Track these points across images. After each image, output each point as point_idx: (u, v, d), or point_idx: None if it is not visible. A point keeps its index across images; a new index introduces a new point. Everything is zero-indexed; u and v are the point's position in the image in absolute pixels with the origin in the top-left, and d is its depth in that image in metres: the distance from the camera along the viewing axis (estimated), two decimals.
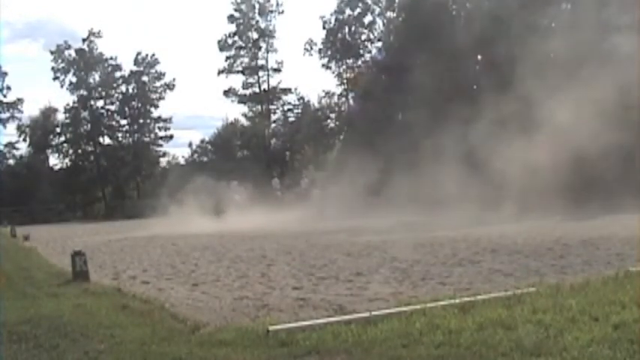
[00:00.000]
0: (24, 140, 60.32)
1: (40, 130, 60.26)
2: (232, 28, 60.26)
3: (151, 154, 64.97)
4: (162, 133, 64.58)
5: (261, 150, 59.02)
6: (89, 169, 62.90)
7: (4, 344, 5.78)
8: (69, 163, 62.22)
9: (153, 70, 63.21)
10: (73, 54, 60.94)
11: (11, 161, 60.07)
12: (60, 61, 60.82)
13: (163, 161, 65.76)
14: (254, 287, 9.58)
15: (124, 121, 64.05)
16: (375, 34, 55.14)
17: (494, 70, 34.25)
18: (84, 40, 61.34)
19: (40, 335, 6.07)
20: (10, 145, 60.18)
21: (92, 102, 62.28)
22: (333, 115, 59.97)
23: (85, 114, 61.99)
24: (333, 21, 55.59)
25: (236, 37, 60.52)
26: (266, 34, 60.66)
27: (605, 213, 21.97)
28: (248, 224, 27.53)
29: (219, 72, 61.24)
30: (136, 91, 62.92)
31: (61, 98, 74.37)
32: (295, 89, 61.71)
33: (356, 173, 33.09)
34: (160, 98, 63.58)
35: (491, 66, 34.59)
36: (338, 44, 55.31)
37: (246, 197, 40.53)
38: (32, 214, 51.05)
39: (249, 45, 60.74)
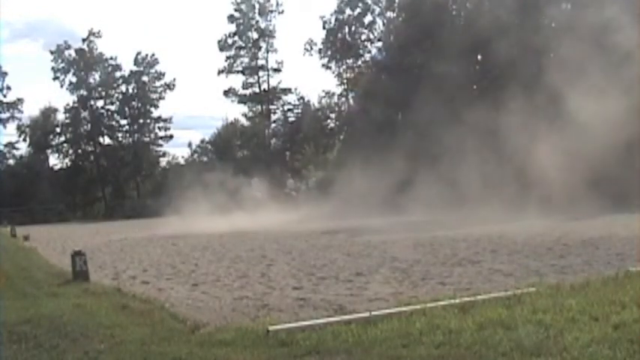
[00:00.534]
0: (24, 140, 60.45)
1: (40, 130, 60.24)
2: (232, 28, 60.37)
3: (151, 154, 64.96)
4: (162, 133, 64.69)
5: (261, 150, 59.02)
6: (89, 169, 62.93)
7: (4, 344, 5.78)
8: (69, 163, 62.24)
9: (153, 70, 63.22)
10: (73, 54, 60.93)
11: (11, 161, 60.09)
12: (60, 61, 60.82)
13: (163, 161, 65.96)
14: (254, 287, 9.59)
15: (124, 121, 64.07)
16: (375, 34, 55.16)
17: (493, 69, 34.34)
18: (84, 40, 61.42)
19: (40, 335, 6.07)
20: (10, 145, 60.27)
21: (92, 102, 62.27)
22: (333, 115, 60.05)
23: (85, 114, 61.99)
24: (333, 21, 55.59)
25: (236, 37, 60.55)
26: (266, 34, 60.68)
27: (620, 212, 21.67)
28: (271, 222, 27.58)
29: (219, 72, 61.33)
30: (136, 91, 62.90)
31: (61, 98, 74.66)
32: (295, 89, 61.83)
33: (368, 172, 32.89)
34: (160, 98, 63.63)
35: (491, 65, 34.61)
36: (338, 44, 55.29)
37: (266, 195, 40.34)
38: (32, 214, 51.06)
39: (249, 45, 60.75)
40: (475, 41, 34.83)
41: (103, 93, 62.61)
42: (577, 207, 23.22)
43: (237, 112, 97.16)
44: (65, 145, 62.27)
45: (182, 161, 63.80)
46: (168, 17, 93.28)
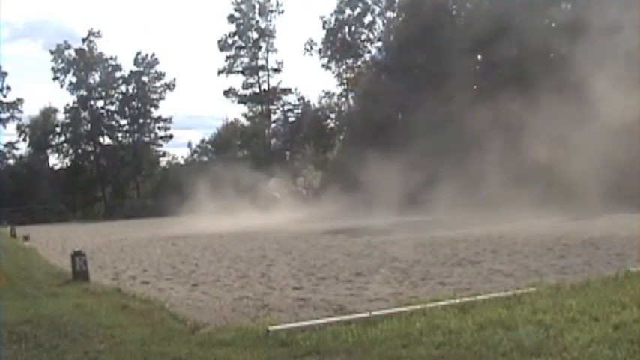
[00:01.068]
0: (24, 140, 60.47)
1: (40, 130, 60.25)
2: (232, 28, 60.45)
3: (151, 154, 64.96)
4: (162, 133, 64.73)
5: (261, 150, 59.02)
6: (89, 169, 62.93)
7: (4, 344, 5.78)
8: (69, 163, 62.25)
9: (153, 70, 63.24)
10: (73, 54, 60.95)
11: (11, 161, 60.10)
12: (60, 61, 60.83)
13: (163, 161, 65.98)
14: (254, 287, 9.58)
15: (124, 121, 64.08)
16: (375, 34, 55.25)
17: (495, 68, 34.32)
18: (84, 40, 61.45)
19: (40, 335, 6.06)
20: (10, 145, 60.27)
21: (92, 102, 62.28)
22: (333, 115, 60.13)
23: (85, 114, 62.00)
24: (333, 21, 55.66)
25: (236, 37, 60.61)
26: (266, 34, 60.72)
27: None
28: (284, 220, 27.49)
29: (219, 72, 61.43)
30: (136, 91, 62.92)
31: (61, 98, 74.76)
32: (295, 89, 61.96)
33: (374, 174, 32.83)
34: (160, 98, 63.67)
35: (493, 65, 34.61)
36: (338, 44, 55.34)
37: (285, 194, 40.30)
38: (32, 214, 51.03)
39: (249, 45, 60.79)
40: (475, 41, 34.85)
41: (103, 93, 62.63)
42: (597, 205, 22.95)
43: (237, 112, 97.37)
44: (65, 145, 62.31)
45: (182, 161, 63.97)
46: (168, 17, 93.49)
